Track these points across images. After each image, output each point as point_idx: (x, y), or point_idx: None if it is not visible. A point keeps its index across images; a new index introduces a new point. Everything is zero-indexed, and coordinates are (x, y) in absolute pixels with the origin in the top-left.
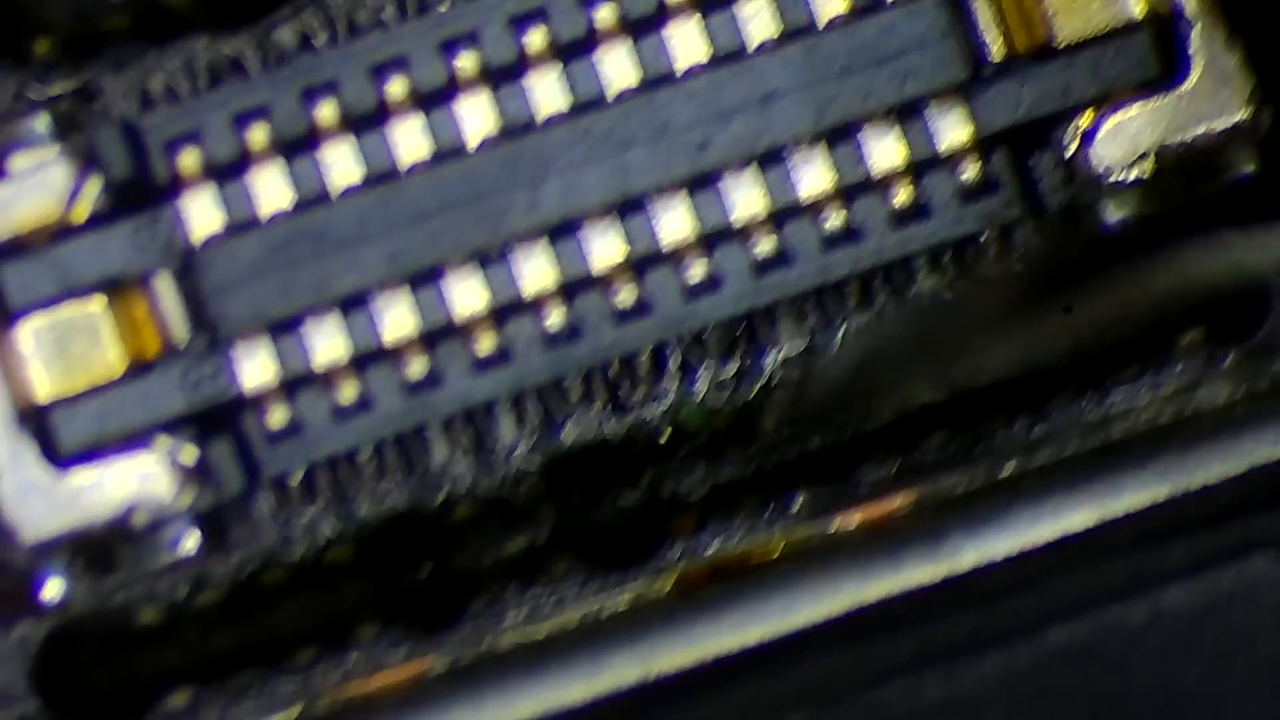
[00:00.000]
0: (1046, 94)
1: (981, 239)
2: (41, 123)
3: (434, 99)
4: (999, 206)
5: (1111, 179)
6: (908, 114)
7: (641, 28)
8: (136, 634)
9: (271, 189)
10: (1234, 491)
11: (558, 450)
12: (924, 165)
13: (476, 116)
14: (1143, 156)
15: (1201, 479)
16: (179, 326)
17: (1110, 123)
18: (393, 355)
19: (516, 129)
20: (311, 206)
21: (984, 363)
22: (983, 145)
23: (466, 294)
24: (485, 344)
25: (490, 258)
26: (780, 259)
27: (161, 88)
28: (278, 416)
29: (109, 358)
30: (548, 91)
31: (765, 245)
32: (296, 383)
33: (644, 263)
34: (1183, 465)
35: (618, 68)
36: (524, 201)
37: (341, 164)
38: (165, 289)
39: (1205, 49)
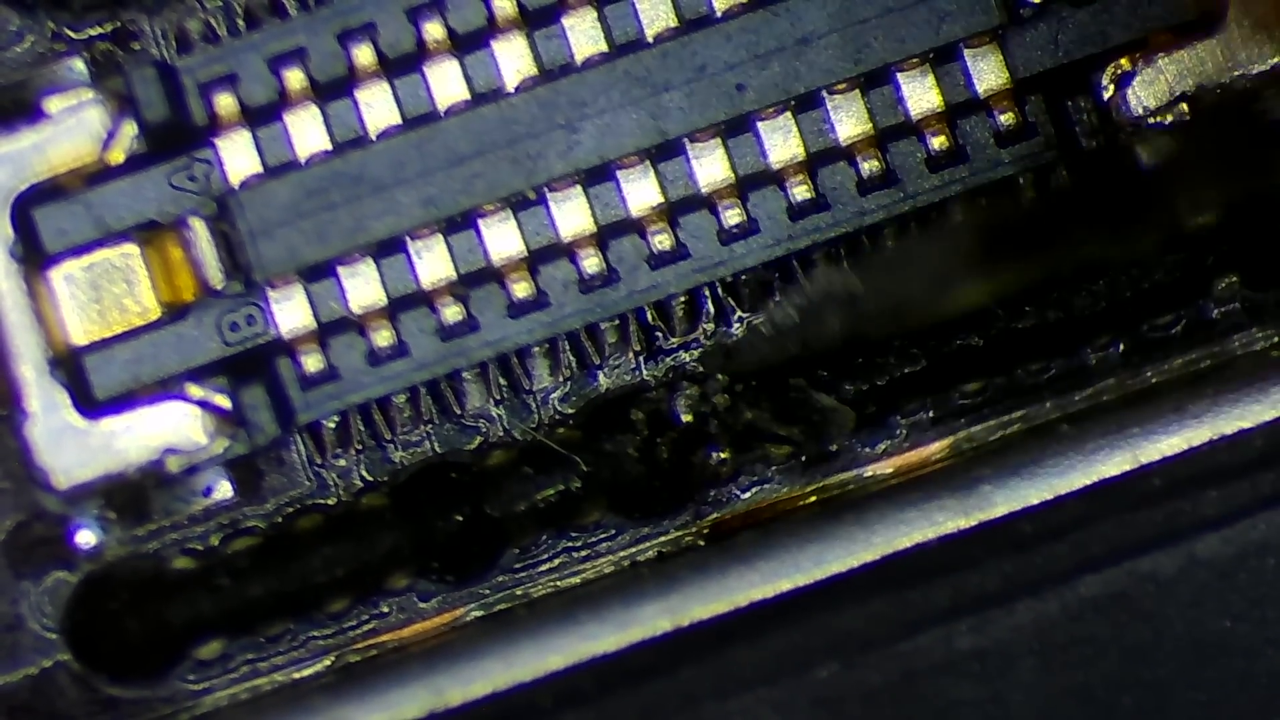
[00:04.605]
0: (1083, 38)
1: (1017, 183)
2: (78, 65)
3: (472, 41)
4: (1035, 150)
5: (1148, 123)
6: (944, 58)
7: None
8: (169, 582)
9: (308, 132)
10: (1268, 439)
11: (593, 395)
12: (960, 109)
13: (513, 59)
14: (1179, 100)
15: (1235, 426)
16: (214, 271)
17: (1147, 67)
18: (428, 300)
19: (553, 71)
20: (348, 150)
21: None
22: (1019, 89)
23: (502, 238)
24: (520, 288)
25: (526, 201)
26: (816, 203)
27: (199, 30)
28: (312, 362)
29: (144, 302)
30: (585, 33)
31: (801, 189)
32: (331, 327)
33: (680, 206)
34: (1216, 412)
35: (655, 9)
36: (560, 145)
37: (378, 107)
38: (201, 233)
39: None
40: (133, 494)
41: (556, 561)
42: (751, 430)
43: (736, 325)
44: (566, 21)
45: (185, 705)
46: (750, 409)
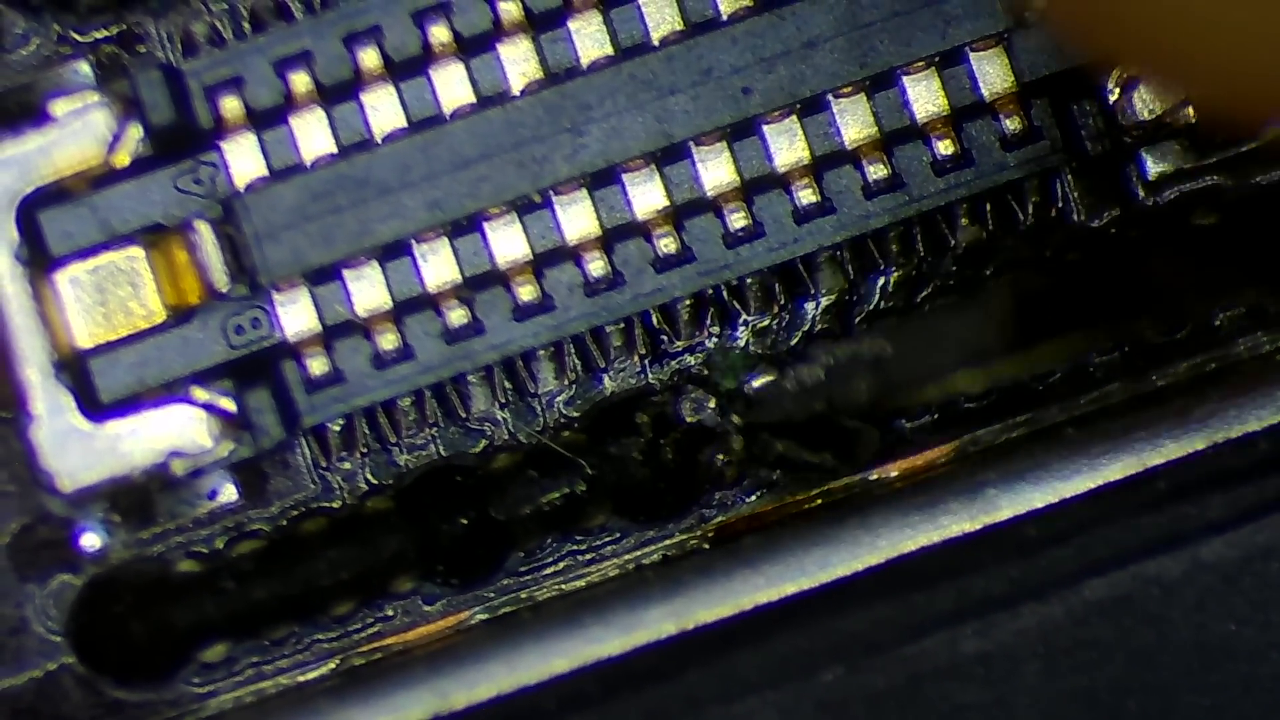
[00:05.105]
0: None
1: (1023, 187)
2: (84, 68)
3: (477, 44)
4: (1040, 154)
5: (1153, 128)
6: (950, 61)
7: None
8: (173, 585)
9: (313, 135)
10: (1273, 443)
11: (598, 399)
12: (966, 113)
13: (519, 62)
14: (1184, 105)
15: (1240, 430)
16: (219, 274)
17: None
18: (433, 303)
19: (559, 75)
20: (353, 153)
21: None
22: (1025, 93)
23: (507, 241)
24: (526, 292)
25: (531, 204)
26: (822, 207)
27: (204, 33)
28: (317, 365)
29: (149, 305)
30: (590, 37)
31: (807, 193)
32: (336, 330)
33: (685, 210)
34: (1221, 416)
35: (661, 13)
36: (565, 148)
37: (384, 110)
38: (206, 236)
39: None
40: (138, 497)
41: (561, 565)
42: (782, 460)
43: (741, 329)
44: (572, 25)
45: (190, 708)
46: (779, 440)
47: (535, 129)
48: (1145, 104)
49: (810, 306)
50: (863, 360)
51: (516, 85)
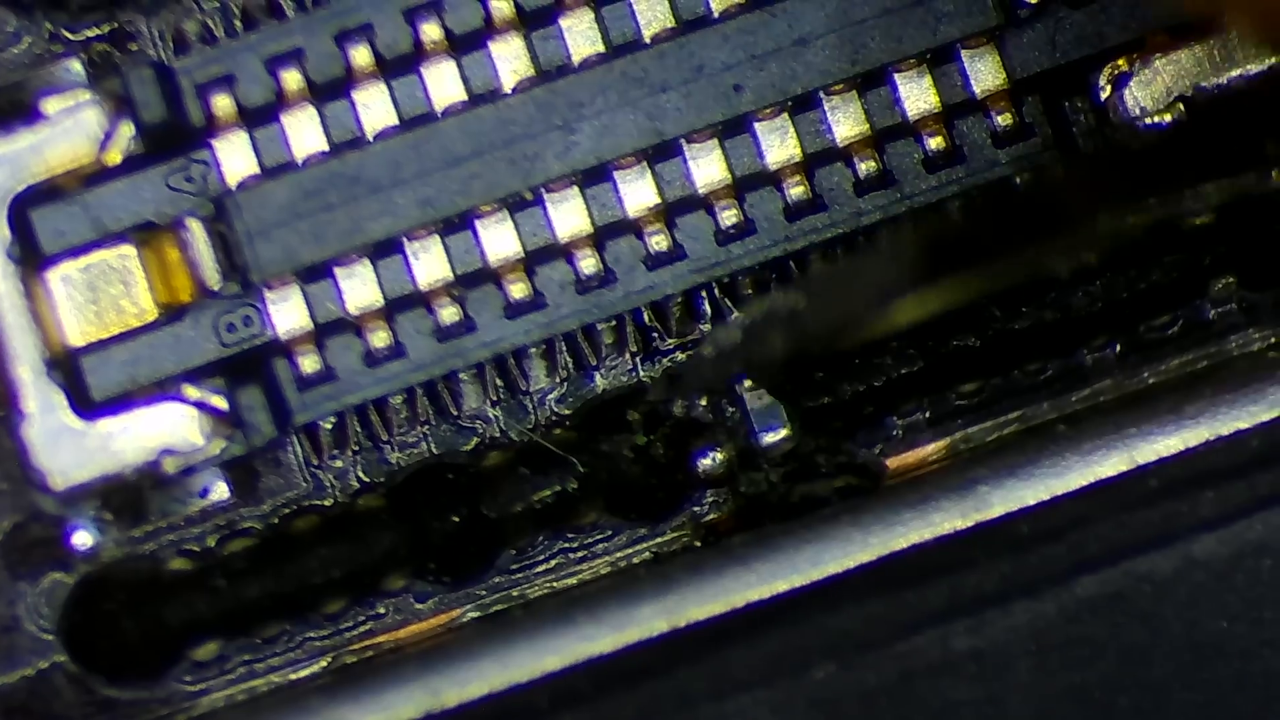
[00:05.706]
0: (1081, 39)
1: (1015, 184)
2: (76, 66)
3: (469, 42)
4: (1032, 151)
5: (1145, 124)
6: (941, 58)
7: None
8: (165, 583)
9: (305, 133)
10: (1264, 440)
11: (589, 396)
12: (957, 110)
13: (510, 60)
14: (1175, 101)
15: (1232, 427)
16: (211, 272)
17: (1144, 68)
18: (425, 300)
19: (550, 72)
20: (345, 151)
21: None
22: (1016, 90)
23: (499, 239)
24: (517, 289)
25: (523, 202)
26: (813, 203)
27: (196, 31)
28: (309, 363)
29: (141, 304)
30: (582, 34)
31: (798, 190)
32: (328, 328)
33: (677, 207)
34: (1213, 413)
35: (653, 10)
36: (557, 145)
37: (375, 108)
38: (198, 234)
39: None
40: (129, 495)
41: (553, 562)
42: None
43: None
44: (564, 22)
45: (182, 706)
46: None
47: (527, 126)
48: (1136, 100)
49: None
50: (778, 315)
51: (508, 83)
